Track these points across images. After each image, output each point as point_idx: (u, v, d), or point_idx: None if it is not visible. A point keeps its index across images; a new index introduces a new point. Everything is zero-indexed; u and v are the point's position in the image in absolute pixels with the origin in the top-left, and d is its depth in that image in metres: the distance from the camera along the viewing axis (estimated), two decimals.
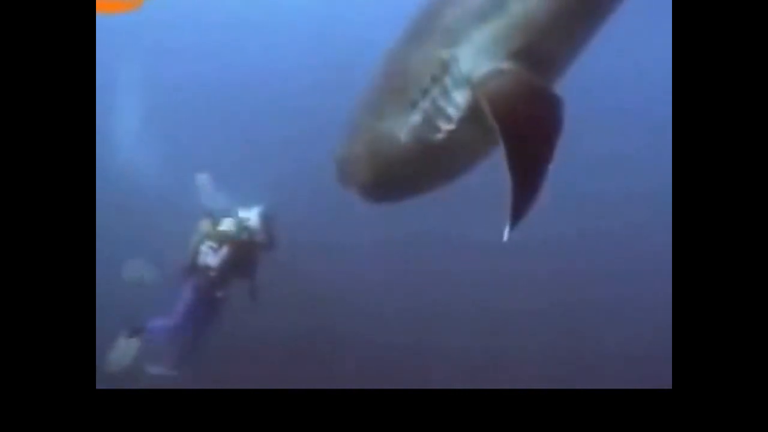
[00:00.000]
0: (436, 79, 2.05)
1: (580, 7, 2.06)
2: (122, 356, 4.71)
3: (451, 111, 2.04)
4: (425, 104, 2.07)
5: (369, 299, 6.91)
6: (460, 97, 2.02)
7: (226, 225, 4.93)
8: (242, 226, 4.94)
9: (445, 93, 2.04)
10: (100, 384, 1.88)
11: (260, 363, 5.77)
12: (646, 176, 7.46)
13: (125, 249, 6.11)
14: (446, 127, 2.06)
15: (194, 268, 4.91)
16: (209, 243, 4.87)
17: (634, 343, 6.19)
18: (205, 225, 4.97)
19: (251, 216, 4.99)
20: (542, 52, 2.03)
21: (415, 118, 2.09)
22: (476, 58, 2.00)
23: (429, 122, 2.08)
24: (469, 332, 6.61)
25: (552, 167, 1.85)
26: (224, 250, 4.85)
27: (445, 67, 2.03)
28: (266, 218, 5.01)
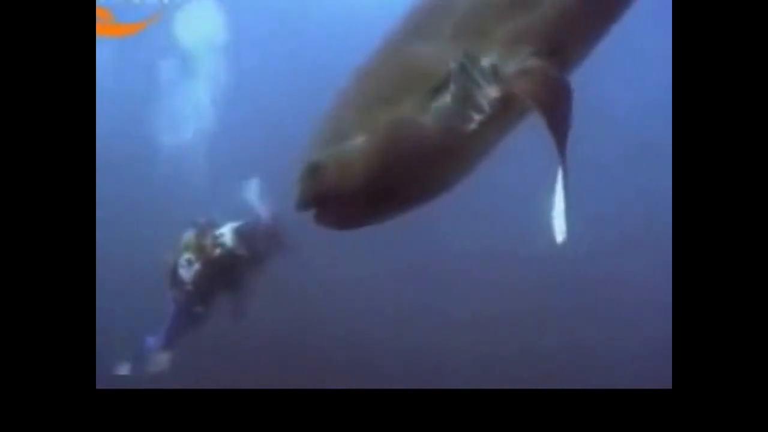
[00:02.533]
0: (464, 68, 1.97)
1: (605, 2, 2.11)
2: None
3: (482, 100, 1.97)
4: (454, 89, 1.96)
5: (366, 299, 6.91)
6: (490, 89, 1.97)
7: (206, 238, 4.83)
8: (215, 242, 4.84)
9: (474, 82, 1.97)
10: (100, 384, 1.88)
11: (260, 363, 5.78)
12: (645, 177, 7.47)
13: (128, 251, 6.13)
14: (477, 116, 1.97)
15: (174, 281, 4.84)
16: (187, 255, 4.81)
17: (634, 343, 6.19)
18: (188, 236, 4.89)
19: (225, 231, 4.89)
20: (569, 47, 2.04)
21: (444, 101, 1.96)
22: (505, 51, 1.98)
23: (459, 107, 1.97)
24: (468, 332, 6.61)
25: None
26: (197, 265, 4.78)
27: (471, 57, 1.97)
28: (242, 234, 4.91)
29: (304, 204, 2.02)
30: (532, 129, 2.09)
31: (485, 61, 1.96)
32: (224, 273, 4.81)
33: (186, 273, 4.71)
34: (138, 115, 6.43)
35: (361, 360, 6.08)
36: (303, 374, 5.31)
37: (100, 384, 1.88)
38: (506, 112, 2.00)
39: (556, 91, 1.94)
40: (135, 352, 4.80)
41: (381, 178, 1.95)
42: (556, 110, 1.90)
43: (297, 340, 6.38)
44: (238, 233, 4.85)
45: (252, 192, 5.13)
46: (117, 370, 4.68)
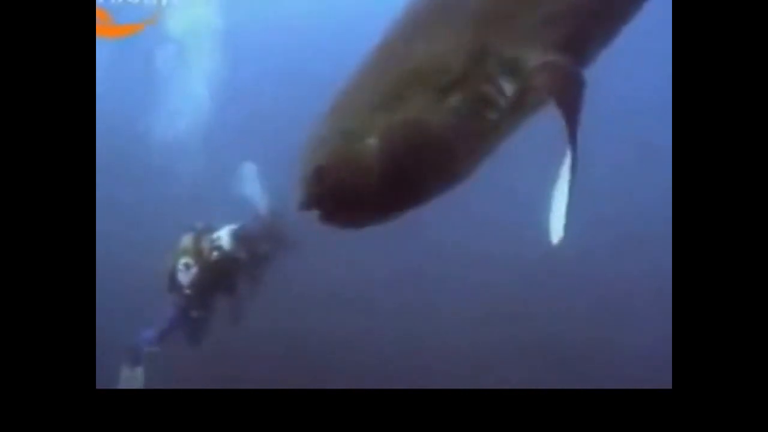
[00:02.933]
0: (477, 62, 1.87)
1: None
2: (132, 384, 4.68)
3: (500, 99, 1.89)
4: (465, 88, 1.87)
5: (364, 300, 6.92)
6: (507, 85, 1.89)
7: (203, 242, 4.81)
8: (212, 246, 4.82)
9: (489, 78, 1.88)
10: (100, 384, 1.88)
11: (260, 363, 5.78)
12: (645, 177, 7.47)
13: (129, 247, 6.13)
14: (492, 115, 1.89)
15: (172, 285, 4.81)
16: (184, 260, 4.77)
17: (634, 343, 6.19)
18: (186, 240, 4.86)
19: (222, 235, 4.86)
20: (585, 42, 1.99)
21: (458, 99, 1.87)
22: (521, 45, 1.89)
23: (471, 108, 1.88)
24: (468, 333, 6.61)
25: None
26: (195, 269, 4.74)
27: (487, 50, 1.88)
28: (240, 237, 4.88)
29: (308, 206, 1.96)
30: (528, 129, 2.09)
31: (505, 55, 1.88)
32: (222, 276, 4.80)
33: (184, 277, 4.70)
34: (134, 112, 6.43)
35: (359, 361, 6.08)
36: (302, 374, 5.32)
37: (100, 384, 1.88)
38: (520, 108, 1.94)
39: (575, 87, 1.89)
40: (129, 347, 4.78)
41: (390, 181, 1.89)
42: (575, 106, 1.86)
43: (295, 341, 6.38)
44: (236, 236, 4.84)
45: (248, 176, 5.12)
46: (119, 380, 4.68)
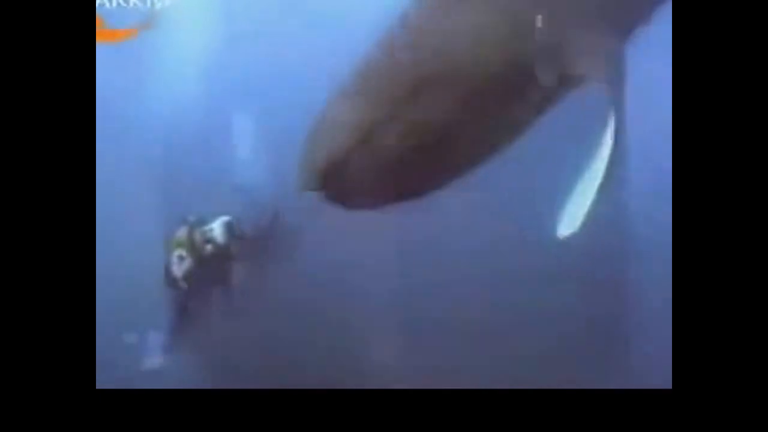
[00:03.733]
0: (515, 48, 1.73)
1: None
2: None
3: (535, 93, 1.79)
4: (497, 83, 1.75)
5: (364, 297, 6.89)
6: (547, 75, 1.78)
7: (195, 235, 4.83)
8: (205, 238, 4.83)
9: (525, 70, 1.76)
10: (100, 384, 1.88)
11: (259, 363, 5.76)
12: (645, 173, 7.45)
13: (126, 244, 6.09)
14: (523, 116, 1.83)
15: (167, 278, 4.83)
16: (178, 252, 4.82)
17: (634, 344, 6.18)
18: (180, 232, 4.88)
19: (215, 227, 4.88)
20: (633, 24, 1.93)
21: (481, 102, 1.78)
22: (571, 26, 1.79)
23: (501, 107, 1.79)
24: (469, 333, 6.59)
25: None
26: (188, 261, 4.77)
27: (529, 34, 1.75)
28: (232, 229, 4.89)
29: (315, 188, 1.94)
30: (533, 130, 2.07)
31: (549, 38, 1.75)
32: (216, 269, 4.82)
33: (178, 270, 4.71)
34: (128, 100, 6.38)
35: (358, 362, 6.07)
36: (300, 374, 5.30)
37: (100, 384, 1.88)
38: (550, 103, 1.86)
39: (622, 70, 1.83)
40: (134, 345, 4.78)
41: (402, 175, 1.87)
42: (622, 89, 1.81)
43: (293, 339, 6.36)
44: (229, 228, 4.85)
45: (242, 131, 5.10)
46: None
